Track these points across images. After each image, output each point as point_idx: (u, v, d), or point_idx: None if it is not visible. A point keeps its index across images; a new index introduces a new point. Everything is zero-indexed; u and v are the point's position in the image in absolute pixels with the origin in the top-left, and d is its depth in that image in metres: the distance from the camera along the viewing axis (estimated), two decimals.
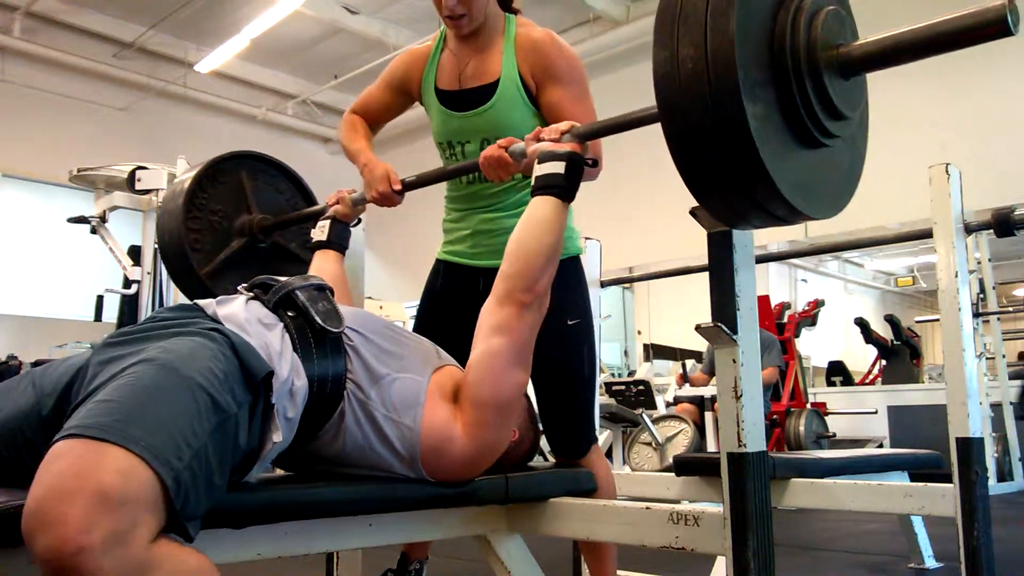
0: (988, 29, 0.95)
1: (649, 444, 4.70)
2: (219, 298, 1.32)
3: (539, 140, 1.48)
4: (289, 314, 1.30)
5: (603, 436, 4.84)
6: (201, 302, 1.30)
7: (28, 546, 0.86)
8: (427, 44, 1.92)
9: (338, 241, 1.87)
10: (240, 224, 2.03)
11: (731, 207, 1.09)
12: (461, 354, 1.51)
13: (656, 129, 1.13)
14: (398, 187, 1.81)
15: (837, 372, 8.54)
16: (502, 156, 1.57)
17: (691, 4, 1.01)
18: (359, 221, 1.97)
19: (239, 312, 1.27)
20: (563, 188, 1.41)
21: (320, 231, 1.87)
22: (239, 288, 1.39)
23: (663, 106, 1.04)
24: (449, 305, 1.90)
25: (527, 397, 1.71)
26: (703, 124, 1.00)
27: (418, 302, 2.00)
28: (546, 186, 1.42)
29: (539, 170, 1.43)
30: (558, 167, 1.41)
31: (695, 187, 1.07)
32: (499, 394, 1.37)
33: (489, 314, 1.41)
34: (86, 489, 0.87)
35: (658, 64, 1.03)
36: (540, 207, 1.42)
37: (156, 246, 4.89)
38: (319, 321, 1.29)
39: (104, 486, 0.88)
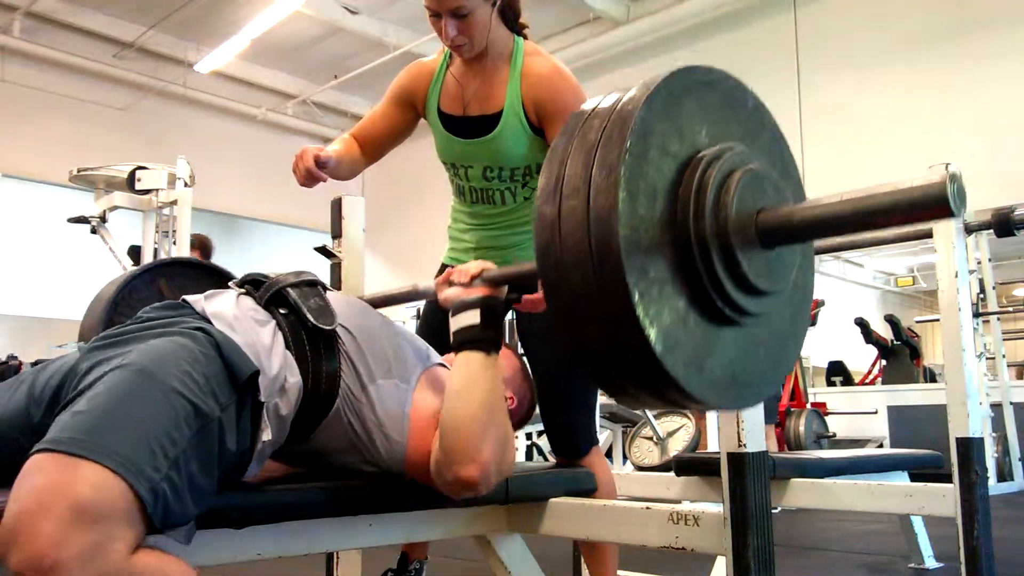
0: (927, 210, 0.82)
1: (650, 439, 4.71)
2: (208, 292, 1.31)
3: (450, 284, 1.37)
4: (281, 311, 1.30)
5: (603, 436, 4.84)
6: (190, 298, 1.29)
7: (3, 562, 0.87)
8: (434, 59, 1.89)
9: None
10: None
11: (648, 406, 0.96)
12: None
13: None
14: (312, 156, 1.72)
15: (837, 372, 8.53)
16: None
17: (573, 183, 0.86)
18: None
19: (228, 309, 1.26)
20: (483, 340, 1.29)
21: None
22: (229, 284, 1.38)
23: (549, 300, 0.89)
24: None
25: (520, 357, 1.70)
26: (595, 331, 0.85)
27: (419, 302, 2.00)
28: (465, 341, 1.29)
29: (455, 324, 1.31)
30: (474, 316, 1.29)
31: (595, 381, 0.93)
32: (470, 496, 1.32)
33: (434, 466, 1.27)
34: (60, 505, 0.87)
35: (539, 244, 0.87)
36: (464, 367, 1.28)
37: (156, 246, 4.91)
38: (311, 319, 1.28)
39: (78, 501, 0.88)
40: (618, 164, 0.83)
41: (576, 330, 0.87)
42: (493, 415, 1.26)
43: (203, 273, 2.04)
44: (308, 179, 1.75)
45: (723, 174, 0.89)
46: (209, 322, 1.21)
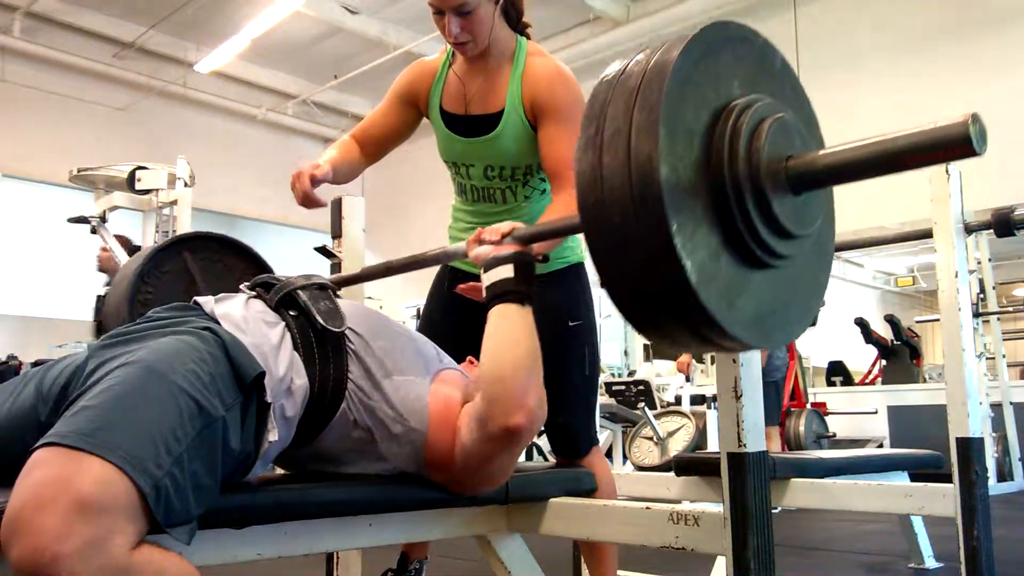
0: (950, 150, 0.84)
1: (650, 439, 4.71)
2: (219, 295, 1.32)
3: (480, 242, 1.39)
4: (291, 313, 1.30)
5: (603, 436, 4.84)
6: (200, 299, 1.30)
7: (5, 554, 0.87)
8: (436, 58, 1.89)
9: None
10: None
11: (678, 344, 0.99)
12: (467, 354, 1.52)
13: None
14: (308, 178, 1.72)
15: (837, 372, 8.53)
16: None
17: (615, 124, 0.90)
18: None
19: (237, 310, 1.27)
20: (518, 292, 1.31)
21: None
22: (241, 287, 1.39)
23: (588, 236, 0.93)
24: (456, 308, 1.90)
25: None
26: (633, 264, 0.89)
27: (419, 302, 2.01)
28: (500, 294, 1.31)
29: (487, 279, 1.33)
30: (507, 271, 1.31)
31: (634, 324, 0.96)
32: (491, 475, 1.36)
33: (479, 425, 1.28)
34: (63, 498, 0.87)
35: (581, 187, 0.92)
36: (502, 319, 1.30)
37: None
38: (320, 321, 1.29)
39: (81, 495, 0.88)
40: (659, 104, 0.87)
41: (616, 269, 0.91)
42: (534, 363, 1.29)
43: (227, 248, 2.04)
44: (306, 202, 1.76)
45: (755, 121, 0.93)
46: (218, 323, 1.22)
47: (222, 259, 2.02)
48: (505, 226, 1.38)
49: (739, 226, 0.92)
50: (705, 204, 0.91)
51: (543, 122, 1.74)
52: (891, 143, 0.87)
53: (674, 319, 0.92)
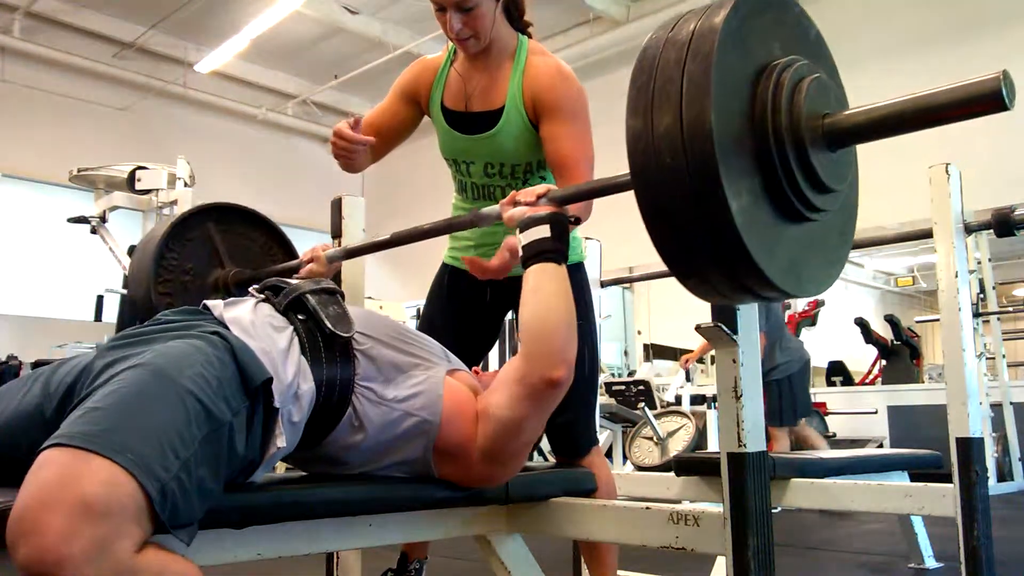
0: (982, 104, 0.89)
1: (650, 439, 4.71)
2: (228, 300, 1.32)
3: (515, 204, 1.40)
4: (299, 317, 1.30)
5: (603, 436, 4.84)
6: (210, 303, 1.29)
7: (10, 554, 0.87)
8: (438, 56, 1.89)
9: None
10: (213, 280, 1.98)
11: (715, 290, 1.03)
12: (466, 355, 1.52)
13: None
14: (349, 125, 1.77)
15: (837, 372, 8.53)
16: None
17: (667, 72, 0.95)
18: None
19: (246, 315, 1.27)
20: (555, 252, 1.34)
21: None
22: (250, 290, 1.39)
23: (637, 181, 0.97)
24: (456, 307, 1.90)
25: None
26: (680, 205, 0.93)
27: (419, 302, 2.01)
28: (538, 253, 1.34)
29: (524, 238, 1.35)
30: (543, 231, 1.34)
31: (674, 268, 1.01)
32: (516, 450, 1.38)
33: (517, 383, 1.31)
34: (69, 499, 0.87)
35: (632, 135, 0.96)
36: (541, 277, 1.33)
37: None
38: (329, 325, 1.29)
39: (87, 496, 0.88)
40: (711, 54, 0.92)
41: (662, 213, 0.96)
42: (571, 319, 1.34)
43: (249, 219, 2.10)
44: (348, 148, 1.78)
45: (796, 79, 1.00)
46: (226, 327, 1.22)
47: (245, 231, 2.08)
48: (540, 188, 1.40)
49: (779, 175, 0.97)
50: (749, 153, 0.96)
51: (545, 120, 1.74)
52: (926, 99, 0.93)
53: (716, 263, 0.96)
